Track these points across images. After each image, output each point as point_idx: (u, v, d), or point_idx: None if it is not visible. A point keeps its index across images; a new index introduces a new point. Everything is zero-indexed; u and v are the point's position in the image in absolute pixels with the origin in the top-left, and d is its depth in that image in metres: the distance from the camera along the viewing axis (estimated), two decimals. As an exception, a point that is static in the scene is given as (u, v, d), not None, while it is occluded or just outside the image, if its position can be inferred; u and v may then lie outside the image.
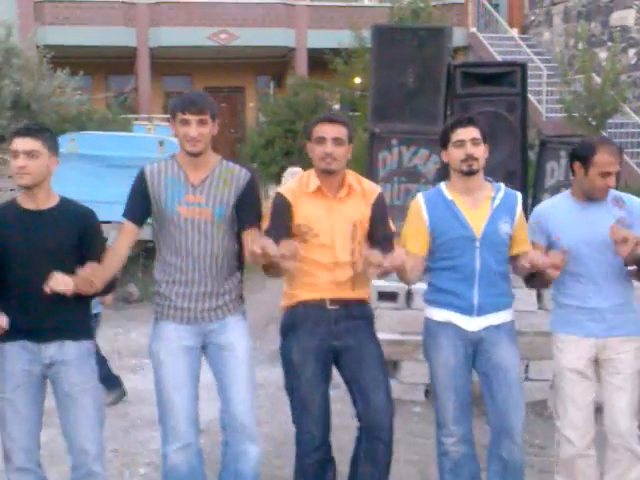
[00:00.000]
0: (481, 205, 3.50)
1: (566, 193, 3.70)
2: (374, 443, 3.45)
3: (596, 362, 3.58)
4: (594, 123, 14.13)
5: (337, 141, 3.41)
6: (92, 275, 3.09)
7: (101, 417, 3.34)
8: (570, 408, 3.54)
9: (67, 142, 10.49)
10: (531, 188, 6.54)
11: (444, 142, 3.52)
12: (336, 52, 16.96)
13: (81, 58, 18.69)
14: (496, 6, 22.23)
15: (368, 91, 6.70)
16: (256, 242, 3.11)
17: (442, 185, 3.61)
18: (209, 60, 22.23)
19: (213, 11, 21.52)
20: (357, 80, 17.05)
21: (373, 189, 3.60)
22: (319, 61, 18.51)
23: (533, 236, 3.61)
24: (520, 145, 6.18)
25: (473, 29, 21.29)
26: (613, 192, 3.59)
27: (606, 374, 3.57)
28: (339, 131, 3.42)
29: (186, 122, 3.28)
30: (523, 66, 6.32)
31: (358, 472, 3.52)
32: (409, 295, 5.60)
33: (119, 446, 4.82)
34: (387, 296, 5.56)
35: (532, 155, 10.29)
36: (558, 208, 3.63)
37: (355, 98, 17.10)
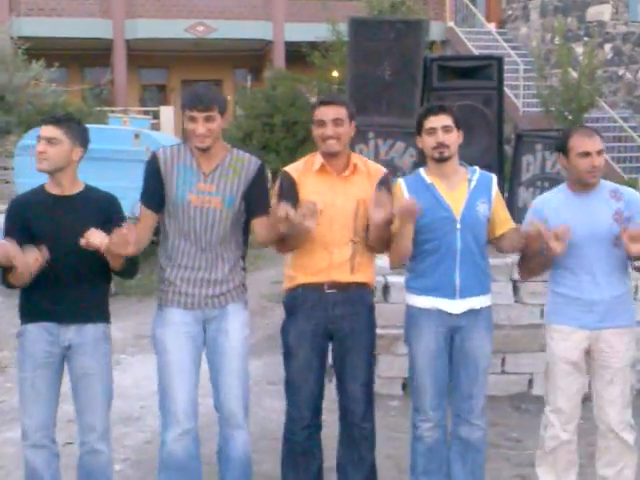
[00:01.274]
0: (458, 187, 3.58)
1: (562, 186, 3.75)
2: (349, 429, 3.60)
3: (588, 353, 3.62)
4: (570, 117, 14.23)
5: (337, 122, 3.50)
6: (128, 234, 3.15)
7: (109, 399, 3.49)
8: (559, 397, 3.61)
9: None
10: (507, 182, 6.56)
11: (418, 130, 3.61)
12: (313, 45, 16.92)
13: (56, 50, 18.51)
14: (473, 0, 22.30)
15: (345, 84, 6.68)
16: (279, 208, 3.22)
17: (421, 170, 3.69)
18: (186, 53, 22.12)
19: (190, 3, 21.40)
20: (334, 74, 17.02)
21: (378, 169, 3.69)
22: (297, 54, 18.46)
23: (529, 227, 3.64)
24: (496, 139, 6.19)
25: (451, 23, 21.36)
26: (610, 184, 3.66)
27: (598, 366, 3.60)
28: (338, 112, 3.51)
29: (194, 119, 3.34)
30: (499, 60, 6.33)
31: (339, 457, 3.69)
32: (386, 289, 5.60)
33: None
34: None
35: (508, 149, 10.33)
36: (554, 200, 3.68)
37: (332, 91, 17.06)
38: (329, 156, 3.55)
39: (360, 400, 3.57)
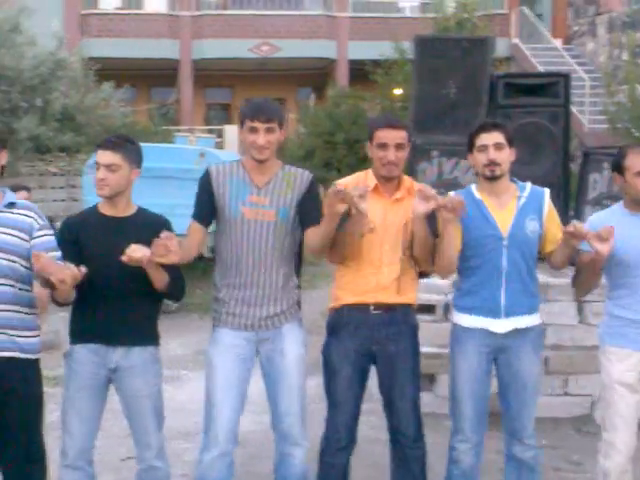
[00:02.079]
0: (507, 205, 3.53)
1: (618, 205, 3.68)
2: (401, 451, 3.55)
3: None
4: (637, 134, 13.90)
5: (399, 147, 3.47)
6: (168, 242, 3.12)
7: (161, 418, 3.48)
8: (617, 421, 3.50)
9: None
10: (573, 200, 6.44)
11: (470, 147, 3.57)
12: (377, 63, 16.94)
13: (125, 70, 18.97)
14: (539, 16, 22.06)
15: (408, 102, 6.66)
16: (333, 188, 3.18)
17: (472, 186, 3.64)
18: (250, 72, 22.40)
19: (256, 23, 21.70)
20: (397, 91, 17.02)
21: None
22: (360, 72, 18.53)
23: (583, 245, 3.56)
24: (563, 156, 6.09)
25: (516, 40, 21.15)
26: None
27: None
28: (401, 136, 3.48)
29: (254, 130, 3.35)
30: (566, 77, 6.24)
31: (393, 478, 3.63)
32: (447, 308, 5.54)
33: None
34: (425, 309, 5.51)
35: (574, 166, 10.14)
36: (610, 218, 3.58)
37: (395, 109, 17.06)
38: (385, 179, 3.52)
39: (411, 421, 3.52)
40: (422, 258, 3.55)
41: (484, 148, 3.48)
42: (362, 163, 15.79)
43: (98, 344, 3.34)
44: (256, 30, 21.65)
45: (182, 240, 3.41)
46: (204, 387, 3.51)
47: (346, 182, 3.58)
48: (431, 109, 6.14)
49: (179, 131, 16.77)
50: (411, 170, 6.17)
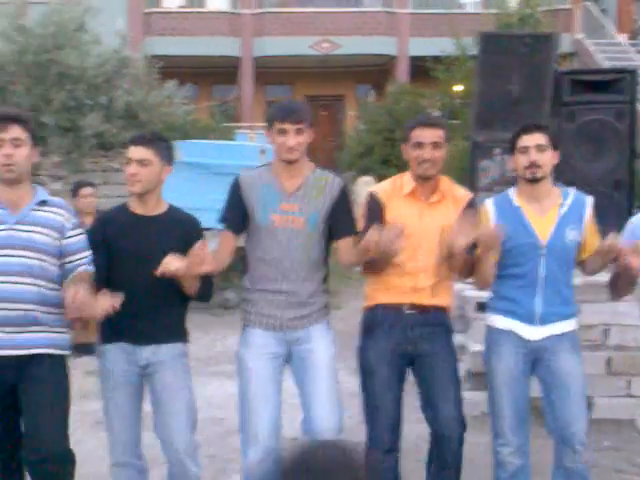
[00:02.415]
0: (548, 212, 3.46)
1: None
2: (442, 452, 3.50)
3: None
4: None
5: (436, 145, 3.43)
6: (201, 252, 3.15)
7: (192, 417, 3.43)
8: None
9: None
10: (639, 199, 6.31)
11: (511, 148, 3.50)
12: (437, 60, 16.82)
13: (187, 68, 19.19)
14: (604, 11, 21.60)
15: (469, 99, 6.60)
16: (369, 235, 3.19)
17: (511, 190, 3.58)
18: (310, 69, 22.43)
19: (316, 20, 21.73)
20: (458, 88, 16.86)
21: (465, 195, 3.61)
22: (420, 69, 18.41)
23: (622, 238, 3.49)
24: (628, 154, 5.97)
25: (579, 35, 20.75)
26: None
27: None
28: (437, 135, 3.44)
29: (284, 131, 3.34)
30: (633, 73, 6.11)
31: (431, 477, 3.60)
32: (482, 307, 5.47)
33: (215, 452, 4.87)
34: (481, 307, 5.45)
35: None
36: None
37: (455, 106, 16.91)
38: (422, 179, 3.48)
39: (452, 421, 3.46)
40: (460, 273, 3.55)
41: (525, 150, 3.42)
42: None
43: (127, 343, 3.35)
44: (316, 27, 21.69)
45: (215, 250, 3.45)
46: (238, 387, 3.50)
47: (383, 187, 3.58)
48: (493, 106, 6.08)
49: (239, 128, 16.90)
50: (472, 168, 6.12)
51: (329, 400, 3.44)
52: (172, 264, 3.14)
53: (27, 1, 14.99)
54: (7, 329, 3.10)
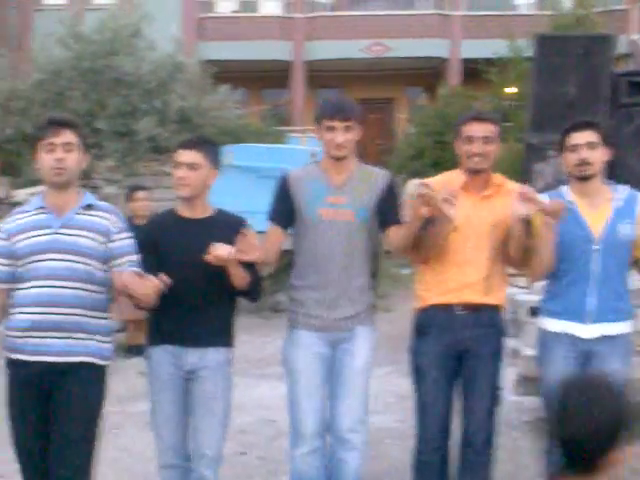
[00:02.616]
0: (601, 207, 3.43)
1: None
2: (468, 453, 3.53)
3: None
4: None
5: (487, 140, 3.42)
6: (250, 237, 3.16)
7: (225, 424, 3.45)
8: None
9: (225, 154, 10.84)
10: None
11: (561, 146, 3.49)
12: (490, 62, 16.65)
13: (239, 72, 19.32)
14: (662, 11, 21.16)
15: (522, 101, 6.53)
16: (421, 188, 3.16)
17: (564, 188, 3.55)
18: (361, 72, 22.41)
19: (368, 23, 21.70)
20: (510, 90, 16.67)
21: (519, 188, 3.54)
22: (472, 71, 18.25)
23: None
24: (688, 156, 5.84)
25: (635, 36, 20.35)
26: None
27: None
28: (488, 129, 3.44)
29: (332, 128, 3.35)
30: (692, 73, 5.98)
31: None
32: (533, 311, 5.39)
33: (265, 454, 4.88)
34: (534, 311, 5.38)
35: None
36: None
37: (508, 108, 16.73)
38: (473, 173, 3.47)
39: (483, 428, 3.49)
40: (517, 259, 3.47)
41: (575, 148, 3.39)
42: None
43: (174, 345, 3.36)
44: (368, 30, 21.65)
45: (262, 243, 3.44)
46: (287, 388, 3.54)
47: (435, 181, 3.55)
48: (549, 108, 6.02)
49: (291, 132, 16.96)
50: (527, 169, 6.05)
51: (356, 403, 3.47)
52: (220, 250, 3.15)
53: (84, 8, 15.28)
54: (52, 334, 3.10)
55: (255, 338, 7.85)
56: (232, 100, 15.35)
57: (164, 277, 3.07)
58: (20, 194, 10.63)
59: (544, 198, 3.50)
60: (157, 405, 3.42)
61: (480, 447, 3.50)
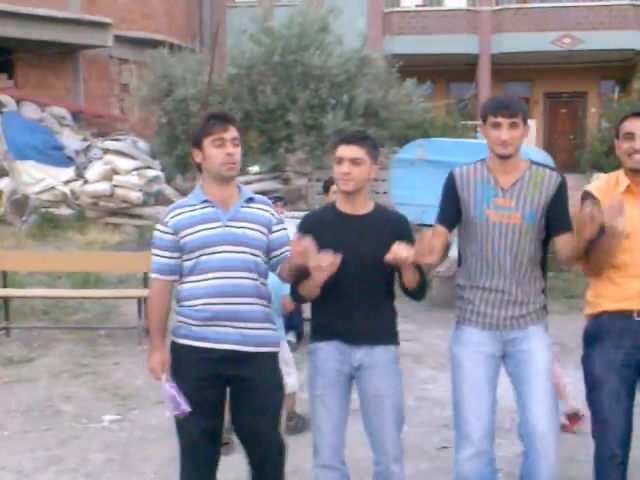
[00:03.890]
0: None
1: None
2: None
3: None
4: None
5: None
6: (431, 240, 3.11)
7: (401, 419, 3.41)
8: None
9: (415, 148, 10.81)
10: None
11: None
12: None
13: (424, 66, 19.26)
14: None
15: None
16: (585, 206, 3.11)
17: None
18: (550, 65, 21.74)
19: (557, 15, 21.05)
20: None
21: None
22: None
23: None
24: None
25: None
26: None
27: None
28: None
29: (498, 125, 3.24)
30: None
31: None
32: None
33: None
34: None
35: None
36: None
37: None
38: (633, 173, 3.29)
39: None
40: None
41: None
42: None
43: (341, 342, 3.33)
44: (557, 22, 20.96)
45: None
46: (452, 385, 3.44)
47: (597, 186, 3.42)
48: None
49: (477, 126, 16.71)
50: None
51: (546, 402, 3.31)
52: (402, 251, 3.10)
53: (274, 4, 15.75)
54: (234, 324, 3.21)
55: (428, 333, 7.76)
56: (418, 94, 15.32)
57: (338, 255, 3.09)
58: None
59: None
60: (320, 401, 3.37)
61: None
